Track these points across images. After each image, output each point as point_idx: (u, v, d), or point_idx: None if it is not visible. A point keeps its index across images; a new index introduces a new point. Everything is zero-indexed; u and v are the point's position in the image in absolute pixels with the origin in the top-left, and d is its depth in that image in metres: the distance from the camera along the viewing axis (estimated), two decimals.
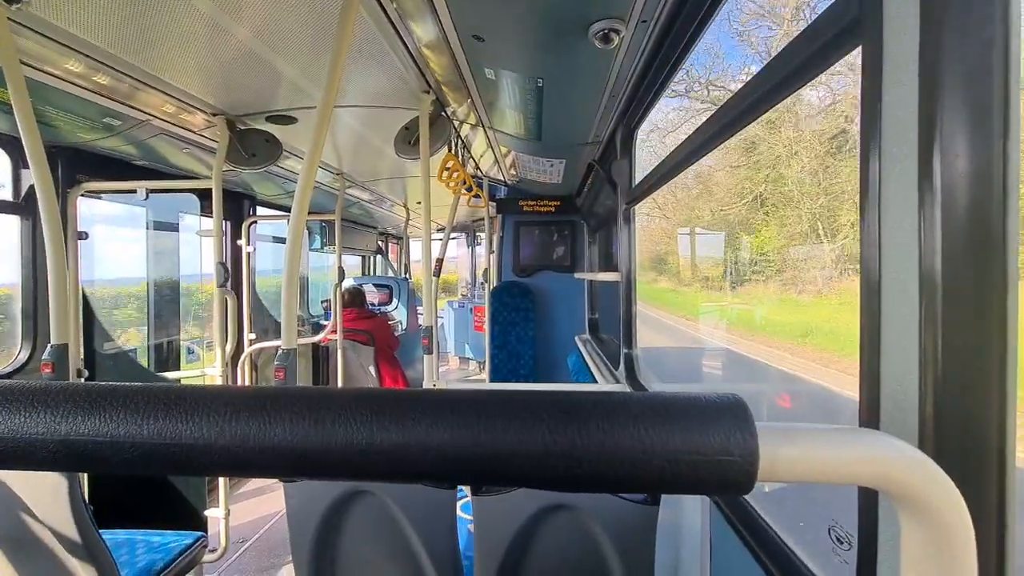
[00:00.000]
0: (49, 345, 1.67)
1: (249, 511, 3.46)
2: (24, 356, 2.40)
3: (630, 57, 1.63)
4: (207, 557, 2.48)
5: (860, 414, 0.61)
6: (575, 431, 0.36)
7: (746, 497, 1.10)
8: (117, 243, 3.34)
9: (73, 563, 1.47)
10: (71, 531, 1.42)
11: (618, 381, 2.56)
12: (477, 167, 3.81)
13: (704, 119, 1.24)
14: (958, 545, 0.36)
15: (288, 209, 4.52)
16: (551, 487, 0.38)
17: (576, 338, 4.49)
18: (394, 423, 0.37)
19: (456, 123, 2.59)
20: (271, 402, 0.37)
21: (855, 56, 0.66)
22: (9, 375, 2.37)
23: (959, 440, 0.49)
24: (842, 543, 0.91)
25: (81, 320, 2.63)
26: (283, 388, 0.40)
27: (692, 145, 1.34)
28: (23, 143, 1.53)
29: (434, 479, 0.39)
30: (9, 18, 1.40)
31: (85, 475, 2.43)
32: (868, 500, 0.60)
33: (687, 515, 1.47)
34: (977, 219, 0.48)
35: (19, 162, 2.37)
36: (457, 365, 8.31)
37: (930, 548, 0.37)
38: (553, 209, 4.82)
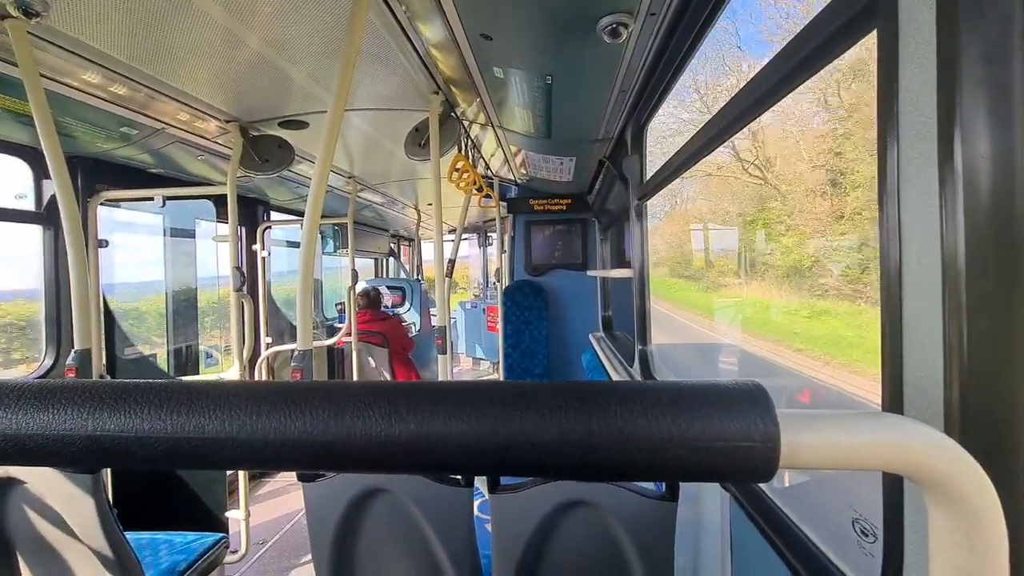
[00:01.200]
0: (73, 350, 1.71)
1: (268, 513, 3.50)
2: (49, 362, 2.46)
3: (639, 51, 1.62)
4: (228, 558, 2.52)
5: (882, 400, 0.60)
6: (592, 419, 0.36)
7: (767, 492, 1.09)
8: (136, 251, 3.40)
9: (98, 564, 1.50)
10: (96, 532, 1.45)
11: (632, 378, 2.55)
12: (487, 167, 3.82)
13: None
14: (988, 530, 0.35)
15: (301, 213, 4.59)
16: (568, 476, 0.38)
17: (590, 336, 4.47)
18: (412, 414, 0.37)
19: (465, 123, 2.59)
20: (291, 396, 0.38)
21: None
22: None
23: (986, 426, 0.48)
24: (867, 536, 0.89)
25: (103, 326, 2.69)
26: (302, 383, 0.40)
27: (704, 137, 1.32)
28: (44, 154, 1.57)
29: (452, 470, 0.39)
30: (28, 32, 1.44)
31: (109, 478, 2.49)
32: (893, 489, 0.59)
33: (706, 511, 1.46)
34: (1001, 202, 0.47)
35: (40, 172, 2.43)
36: (470, 366, 8.33)
37: (959, 535, 0.36)
38: (564, 207, 4.81)
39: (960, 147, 0.49)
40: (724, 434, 0.35)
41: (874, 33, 0.62)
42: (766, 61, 0.93)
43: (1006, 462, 0.47)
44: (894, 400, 0.58)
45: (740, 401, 0.36)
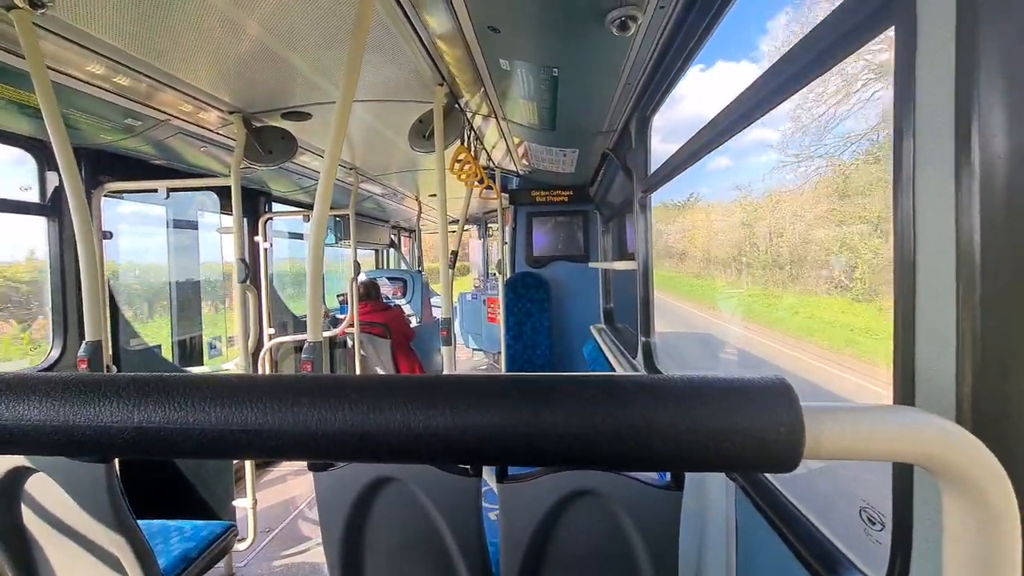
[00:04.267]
0: (84, 342, 1.72)
1: (273, 500, 3.53)
2: (56, 354, 2.47)
3: (647, 44, 1.62)
4: (237, 546, 2.55)
5: (894, 393, 0.61)
6: (621, 411, 0.37)
7: (773, 481, 1.11)
8: (140, 243, 3.40)
9: (112, 550, 1.52)
10: (110, 520, 1.47)
11: (636, 369, 2.57)
12: (489, 158, 3.81)
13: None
14: (1002, 520, 0.37)
15: (302, 205, 4.58)
16: (598, 466, 0.39)
17: (591, 327, 4.49)
18: (448, 407, 0.38)
19: (469, 114, 2.59)
20: (331, 390, 0.39)
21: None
22: (44, 372, 2.44)
23: (999, 418, 0.50)
24: (874, 524, 0.91)
25: (109, 318, 2.70)
26: (342, 376, 0.41)
27: (713, 131, 1.33)
28: (52, 145, 1.57)
29: (480, 460, 0.41)
30: (34, 23, 1.43)
31: (119, 466, 2.51)
32: (903, 479, 0.61)
33: (711, 500, 1.48)
34: (1019, 201, 0.48)
35: (44, 164, 2.42)
36: (468, 356, 8.36)
37: (973, 524, 0.38)
38: (566, 199, 4.81)
39: (977, 145, 0.50)
40: (751, 426, 0.36)
41: (891, 29, 0.62)
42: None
43: (1019, 454, 0.49)
44: (906, 393, 0.59)
45: (766, 394, 0.37)
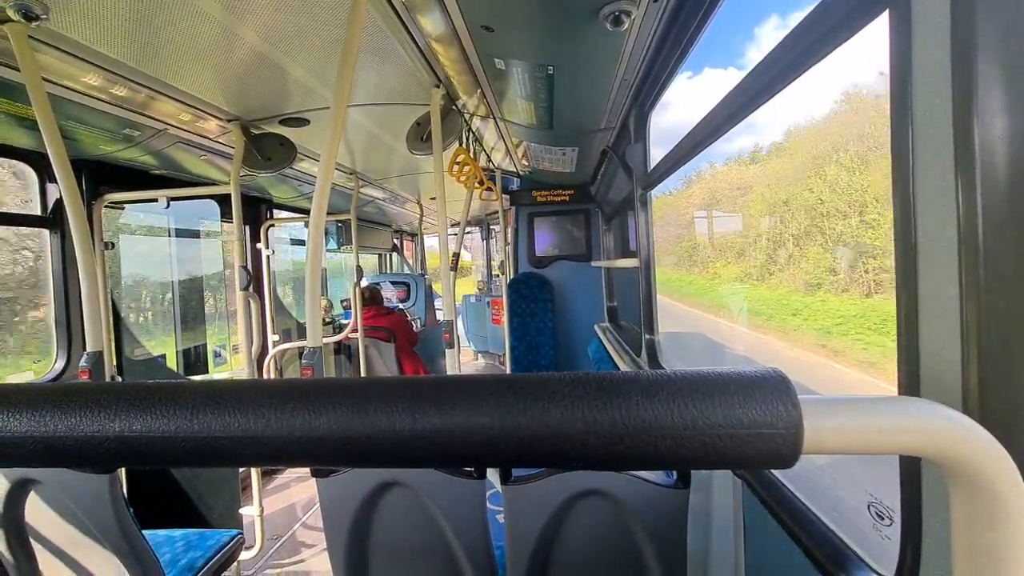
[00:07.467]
0: (85, 352, 1.72)
1: (281, 506, 3.53)
2: (60, 365, 2.48)
3: (642, 39, 1.61)
4: (244, 554, 2.55)
5: (898, 383, 0.60)
6: (616, 409, 0.36)
7: (780, 478, 1.09)
8: (143, 252, 3.41)
9: (118, 562, 1.52)
10: (114, 531, 1.47)
11: (640, 367, 2.55)
12: (489, 160, 3.80)
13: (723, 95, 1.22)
14: (1011, 511, 0.35)
15: (304, 211, 4.59)
16: (594, 466, 0.38)
17: (595, 326, 4.47)
18: (435, 409, 0.37)
19: (467, 116, 2.58)
20: (315, 393, 0.38)
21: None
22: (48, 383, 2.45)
23: (1006, 407, 0.48)
24: (883, 519, 0.89)
25: (112, 328, 2.71)
26: (326, 379, 0.40)
27: (712, 123, 1.31)
28: (49, 158, 1.57)
29: (476, 463, 0.40)
30: (29, 36, 1.44)
31: (124, 477, 2.51)
32: (911, 471, 0.59)
33: (718, 498, 1.47)
34: (1021, 179, 0.47)
35: (44, 176, 2.43)
36: (472, 358, 8.35)
37: (982, 517, 0.36)
38: (567, 198, 4.79)
39: (977, 129, 0.48)
40: (748, 421, 0.35)
41: (886, 14, 0.61)
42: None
43: None
44: (911, 383, 0.57)
45: (762, 388, 0.36)
